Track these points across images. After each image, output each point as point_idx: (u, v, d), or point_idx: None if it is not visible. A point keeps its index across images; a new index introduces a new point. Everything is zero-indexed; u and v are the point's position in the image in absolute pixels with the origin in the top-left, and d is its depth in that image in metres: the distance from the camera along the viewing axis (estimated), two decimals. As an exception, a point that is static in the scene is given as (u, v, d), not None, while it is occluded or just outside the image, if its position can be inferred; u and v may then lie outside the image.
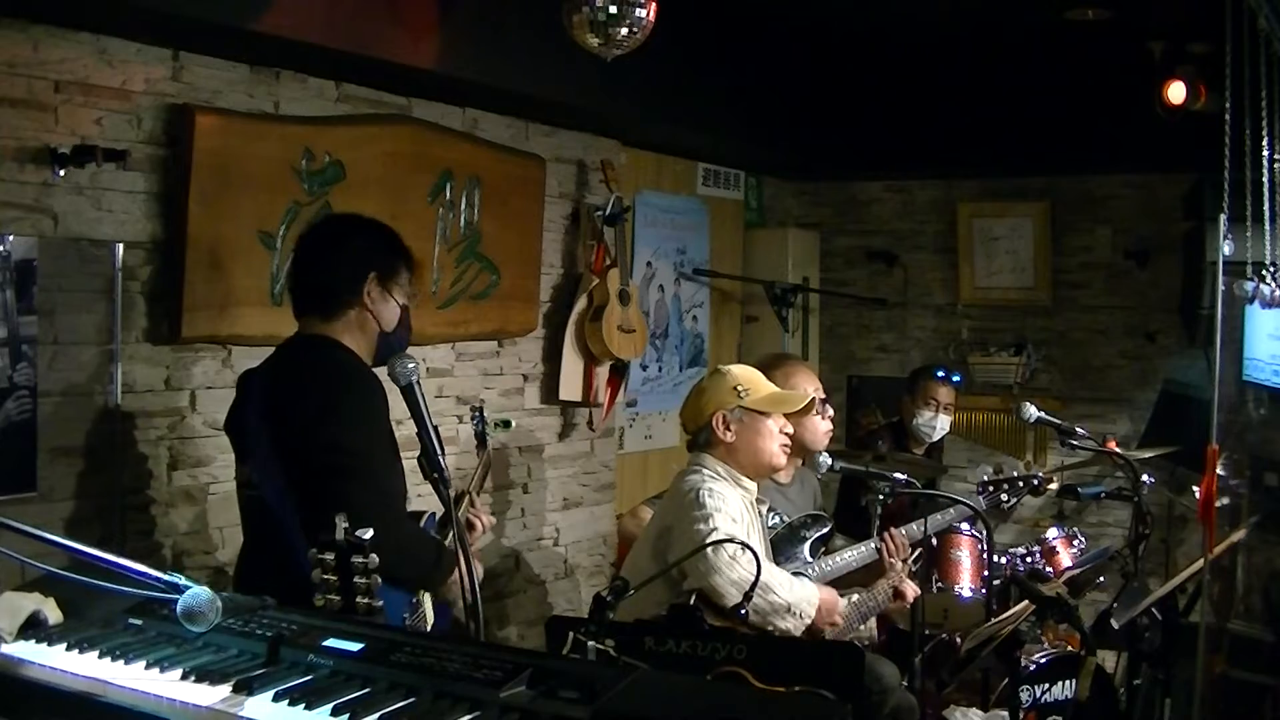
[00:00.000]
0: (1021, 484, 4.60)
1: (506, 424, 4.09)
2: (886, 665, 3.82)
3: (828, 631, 3.65)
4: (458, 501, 3.29)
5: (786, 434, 3.71)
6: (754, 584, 2.98)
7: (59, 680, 1.92)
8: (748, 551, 3.24)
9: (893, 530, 4.03)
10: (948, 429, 5.30)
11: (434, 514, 3.15)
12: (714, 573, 3.32)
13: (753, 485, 3.69)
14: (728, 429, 3.62)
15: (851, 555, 4.05)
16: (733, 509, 3.49)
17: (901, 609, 3.89)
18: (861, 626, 3.86)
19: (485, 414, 3.82)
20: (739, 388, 3.65)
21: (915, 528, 4.23)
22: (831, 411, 4.35)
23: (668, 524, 3.57)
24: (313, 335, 3.06)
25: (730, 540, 3.25)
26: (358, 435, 2.84)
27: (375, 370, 3.07)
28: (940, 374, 5.29)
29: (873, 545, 4.12)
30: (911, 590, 3.87)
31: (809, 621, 3.51)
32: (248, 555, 3.14)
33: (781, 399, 3.72)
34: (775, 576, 3.46)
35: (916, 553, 4.14)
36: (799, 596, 3.49)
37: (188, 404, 3.84)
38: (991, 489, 4.58)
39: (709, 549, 3.28)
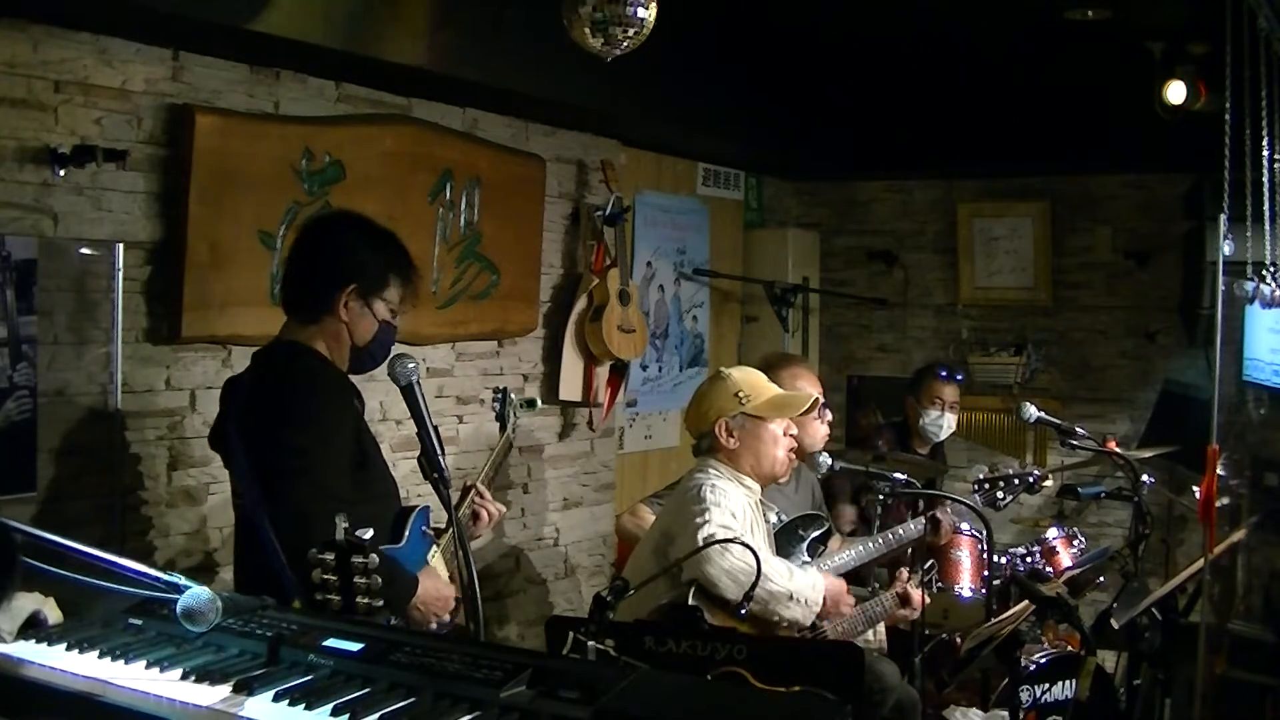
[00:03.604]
0: (1017, 481, 4.60)
1: (531, 403, 3.94)
2: (887, 664, 3.82)
3: (832, 632, 3.65)
4: (462, 495, 3.28)
5: (792, 435, 3.69)
6: (754, 583, 2.97)
7: (59, 680, 1.92)
8: (755, 565, 3.23)
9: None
10: (954, 427, 5.30)
11: (426, 508, 3.12)
12: (705, 562, 3.30)
13: (756, 486, 3.68)
14: (730, 435, 3.60)
15: (850, 554, 4.05)
16: (734, 505, 3.48)
17: (909, 617, 3.88)
18: (869, 634, 3.85)
19: (510, 394, 3.65)
20: (740, 394, 3.62)
21: (914, 526, 4.24)
22: (830, 415, 4.34)
23: (670, 525, 3.57)
24: (285, 340, 3.04)
25: (730, 541, 3.24)
26: (303, 436, 2.81)
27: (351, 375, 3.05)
28: (944, 373, 5.29)
29: (871, 545, 4.12)
30: (919, 598, 3.86)
31: (816, 609, 3.47)
32: (237, 565, 3.14)
33: (783, 402, 3.70)
34: (773, 566, 3.42)
35: (929, 562, 4.13)
36: (800, 584, 3.45)
37: (187, 404, 3.84)
38: (987, 486, 4.58)
39: (699, 541, 3.27)
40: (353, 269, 2.98)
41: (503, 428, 3.62)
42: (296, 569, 2.67)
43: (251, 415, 2.95)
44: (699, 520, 3.39)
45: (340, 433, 2.90)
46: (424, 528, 3.10)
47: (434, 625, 2.98)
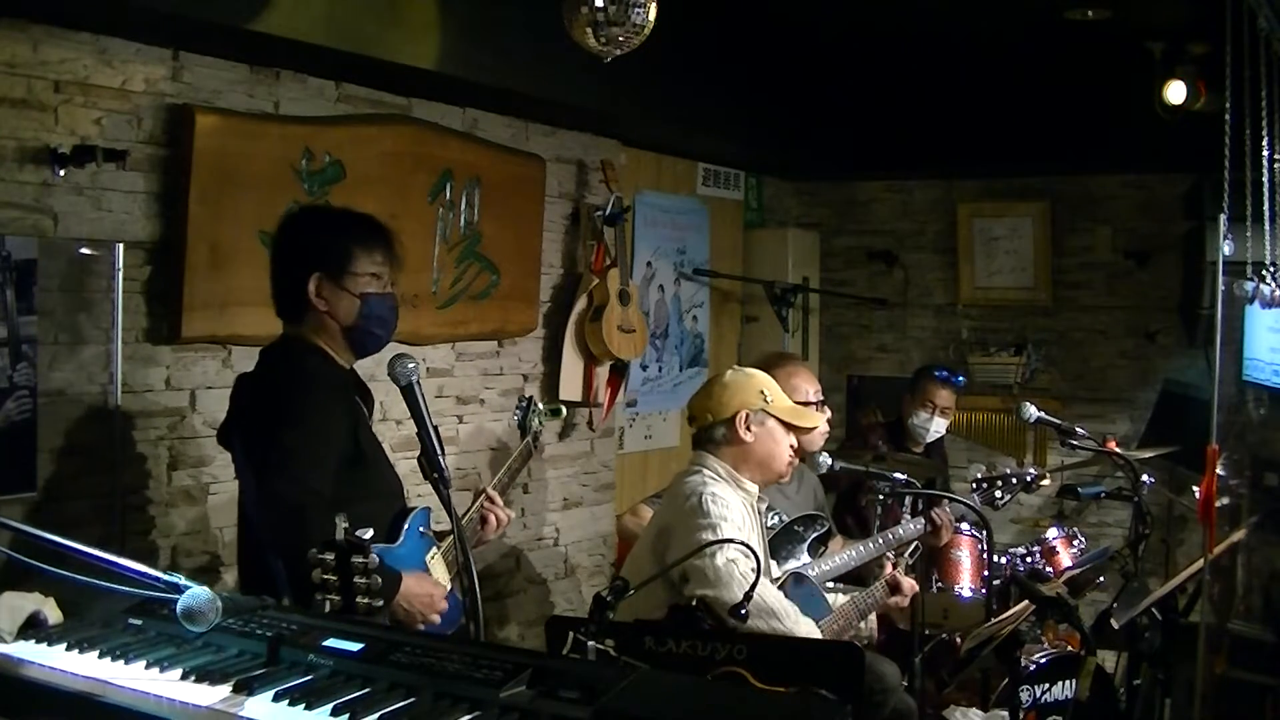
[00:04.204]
0: (1015, 481, 4.61)
1: (557, 411, 3.89)
2: (888, 665, 3.82)
3: (827, 629, 3.66)
4: (474, 499, 3.30)
5: (793, 447, 3.72)
6: (753, 585, 2.97)
7: (59, 680, 1.92)
8: (755, 572, 3.23)
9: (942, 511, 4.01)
10: (944, 431, 5.29)
11: (427, 509, 3.12)
12: (722, 586, 3.28)
13: (754, 488, 3.68)
14: (749, 429, 3.61)
15: (851, 555, 4.05)
16: (735, 516, 3.47)
17: (900, 604, 3.88)
18: (861, 624, 3.85)
19: (535, 403, 3.61)
20: (765, 392, 3.66)
21: (914, 526, 4.24)
22: (829, 412, 4.35)
23: (667, 524, 3.57)
24: (283, 337, 3.06)
25: (731, 540, 3.24)
26: (291, 433, 2.81)
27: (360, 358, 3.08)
28: (941, 376, 5.27)
29: (871, 546, 4.12)
30: (909, 585, 3.86)
31: None
32: (240, 560, 3.16)
33: (799, 414, 3.74)
34: (784, 606, 3.43)
35: (913, 546, 4.15)
36: (804, 633, 3.44)
37: (188, 404, 3.85)
38: (985, 486, 4.58)
39: (719, 562, 3.27)
40: (311, 258, 2.98)
41: (523, 435, 3.61)
42: (285, 564, 2.69)
43: (249, 412, 2.98)
44: (708, 535, 3.36)
45: (330, 431, 2.89)
46: (422, 528, 3.10)
47: (420, 625, 2.97)
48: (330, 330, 3.00)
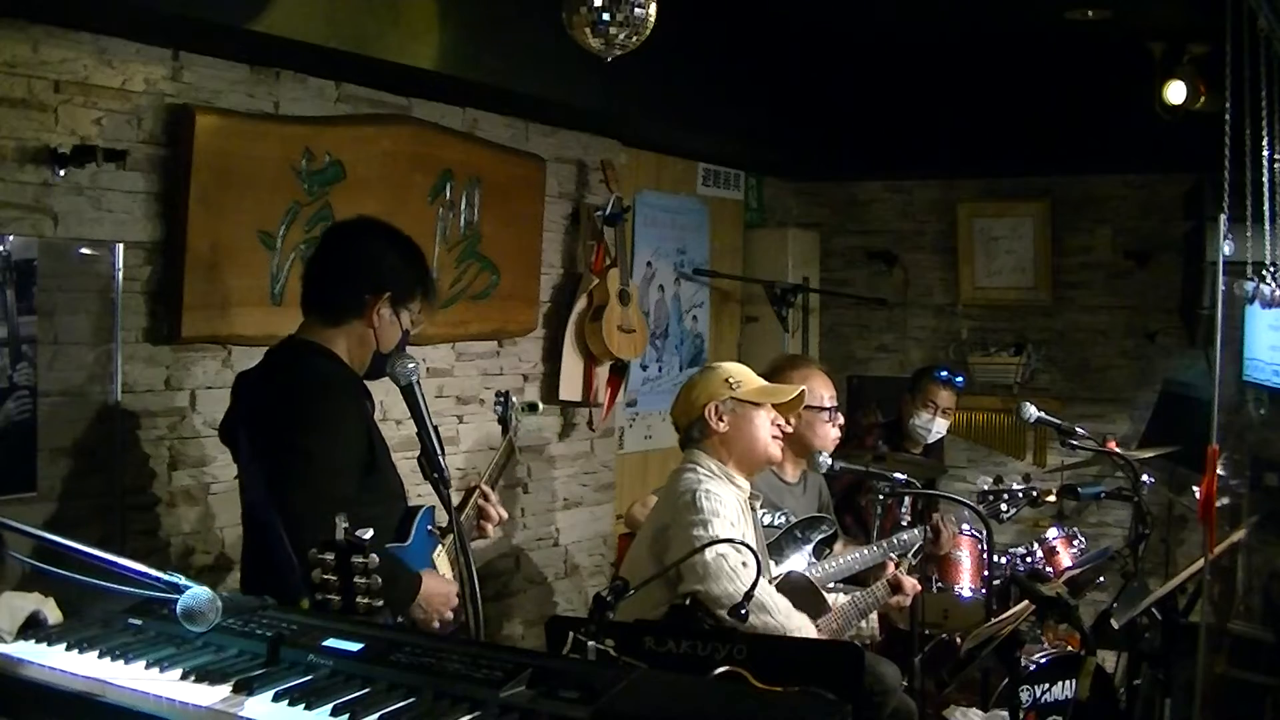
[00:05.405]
0: (1021, 495, 4.61)
1: (534, 407, 3.96)
2: (888, 665, 3.82)
3: (825, 627, 3.66)
4: (466, 496, 3.30)
5: (779, 426, 3.71)
6: (753, 585, 2.97)
7: (59, 680, 1.92)
8: (748, 567, 3.23)
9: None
10: (944, 432, 5.28)
11: (431, 508, 3.13)
12: (711, 581, 3.30)
13: (746, 484, 3.69)
14: (720, 419, 3.64)
15: (854, 559, 4.05)
16: (730, 512, 3.48)
17: (901, 604, 3.88)
18: (863, 624, 3.86)
19: (511, 398, 3.68)
20: (730, 379, 3.68)
21: (917, 533, 4.23)
22: (842, 419, 4.35)
23: (664, 523, 3.57)
24: (301, 339, 3.07)
25: (729, 540, 3.24)
26: (309, 438, 2.82)
27: (365, 380, 3.10)
28: (942, 375, 5.25)
29: (876, 551, 4.11)
30: (911, 584, 3.86)
31: None
32: (243, 558, 3.17)
33: (772, 391, 3.74)
34: (775, 600, 3.44)
35: (915, 546, 4.14)
36: (795, 626, 3.46)
37: (188, 404, 3.85)
38: (991, 499, 4.58)
39: (709, 557, 3.27)
40: (388, 277, 3.05)
41: (505, 431, 3.63)
42: (302, 568, 2.69)
43: (260, 413, 2.98)
44: (701, 532, 3.37)
45: (348, 435, 2.91)
46: (429, 527, 3.11)
47: (436, 624, 2.99)
48: (365, 344, 3.05)
